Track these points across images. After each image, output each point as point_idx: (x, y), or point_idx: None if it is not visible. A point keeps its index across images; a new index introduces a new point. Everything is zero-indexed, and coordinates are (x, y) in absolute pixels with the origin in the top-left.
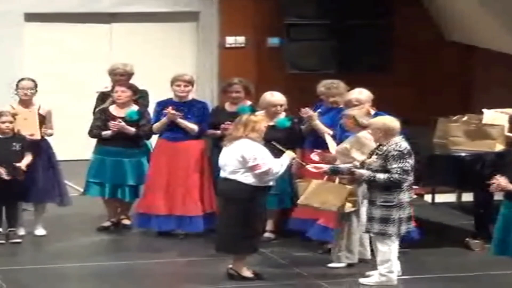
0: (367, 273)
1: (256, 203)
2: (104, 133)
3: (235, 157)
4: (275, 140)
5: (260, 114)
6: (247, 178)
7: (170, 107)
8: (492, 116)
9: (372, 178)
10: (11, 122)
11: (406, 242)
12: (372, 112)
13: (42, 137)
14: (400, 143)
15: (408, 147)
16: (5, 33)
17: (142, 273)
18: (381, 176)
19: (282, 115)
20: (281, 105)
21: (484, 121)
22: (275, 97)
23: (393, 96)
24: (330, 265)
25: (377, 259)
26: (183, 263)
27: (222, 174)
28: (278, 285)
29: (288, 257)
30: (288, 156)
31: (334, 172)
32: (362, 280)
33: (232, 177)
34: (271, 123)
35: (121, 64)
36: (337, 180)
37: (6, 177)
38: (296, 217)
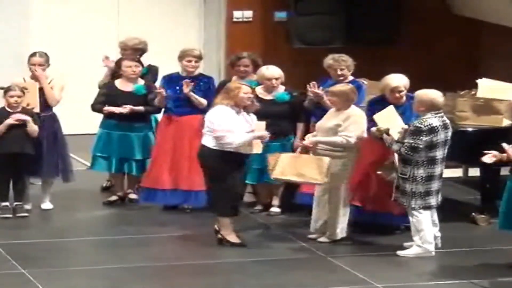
0: (405, 244)
1: (223, 168)
2: (105, 108)
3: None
4: (276, 114)
5: (260, 87)
6: (209, 142)
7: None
8: (489, 87)
9: (389, 146)
10: (19, 97)
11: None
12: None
13: (42, 110)
14: (428, 119)
15: (434, 125)
16: (13, 6)
17: (148, 247)
18: (394, 146)
19: (281, 89)
20: (276, 79)
21: (478, 94)
22: (269, 70)
23: (400, 70)
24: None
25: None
26: (188, 237)
27: None
28: (285, 259)
29: (295, 232)
30: (255, 133)
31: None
32: (400, 252)
33: (202, 141)
34: (270, 97)
35: (134, 38)
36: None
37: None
38: (303, 192)
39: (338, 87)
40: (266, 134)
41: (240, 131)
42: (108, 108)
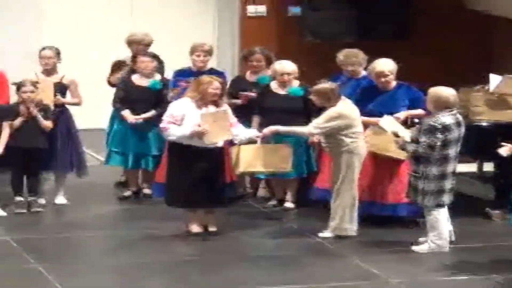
0: (419, 239)
1: (174, 159)
2: (122, 112)
3: None
4: (290, 109)
5: (274, 82)
6: None
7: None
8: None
9: (402, 148)
10: (32, 92)
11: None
12: (394, 83)
13: (57, 106)
14: (441, 117)
15: (448, 123)
16: (26, 2)
17: (162, 242)
18: (409, 147)
19: (296, 84)
20: (288, 74)
21: (491, 89)
22: (282, 65)
23: (413, 65)
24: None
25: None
26: (200, 232)
27: None
28: (298, 255)
29: (309, 227)
30: (195, 127)
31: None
32: (414, 248)
33: None
34: (284, 92)
35: (140, 33)
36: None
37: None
38: (316, 187)
39: (319, 86)
40: (205, 129)
41: (189, 124)
42: (125, 115)
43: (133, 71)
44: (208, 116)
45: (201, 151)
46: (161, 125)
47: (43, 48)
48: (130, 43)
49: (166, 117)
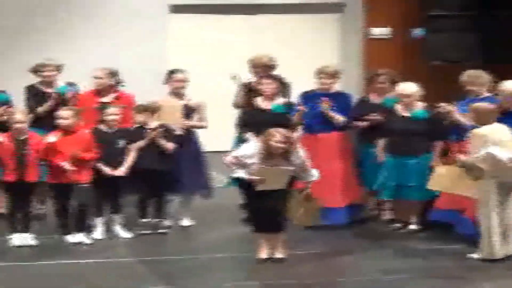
0: None
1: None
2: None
3: None
4: (412, 132)
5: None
6: None
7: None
8: None
9: None
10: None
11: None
12: None
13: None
14: None
15: None
16: (150, 25)
17: (291, 262)
18: None
19: (419, 106)
20: (408, 96)
21: None
22: (401, 87)
23: None
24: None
25: None
26: (325, 254)
27: None
28: (419, 277)
29: (435, 249)
30: None
31: None
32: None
33: None
34: (407, 114)
35: (264, 56)
36: None
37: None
38: (438, 208)
39: (476, 105)
40: (260, 181)
41: (250, 170)
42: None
43: (257, 93)
44: (264, 171)
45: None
46: (226, 160)
47: (176, 71)
48: (254, 65)
49: (232, 155)
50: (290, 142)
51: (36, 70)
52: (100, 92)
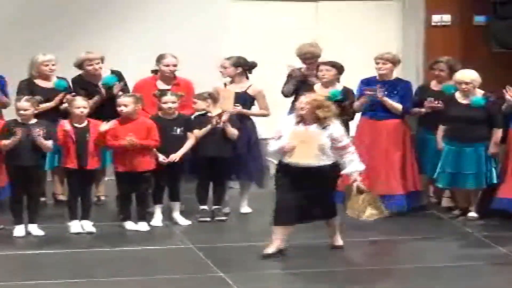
0: None
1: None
2: None
3: None
4: (471, 119)
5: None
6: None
7: (369, 88)
8: None
9: None
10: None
11: None
12: None
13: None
14: None
15: None
16: (212, 12)
17: (341, 250)
18: None
19: (479, 94)
20: (466, 83)
21: None
22: (460, 74)
23: None
24: None
25: None
26: (382, 242)
27: None
28: (481, 264)
29: (493, 237)
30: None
31: None
32: None
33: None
34: (466, 102)
35: (308, 45)
36: None
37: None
38: (499, 197)
39: None
40: (290, 146)
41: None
42: None
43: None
44: (296, 134)
45: (305, 170)
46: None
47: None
48: (302, 54)
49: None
50: (322, 106)
51: (81, 64)
52: (162, 78)
